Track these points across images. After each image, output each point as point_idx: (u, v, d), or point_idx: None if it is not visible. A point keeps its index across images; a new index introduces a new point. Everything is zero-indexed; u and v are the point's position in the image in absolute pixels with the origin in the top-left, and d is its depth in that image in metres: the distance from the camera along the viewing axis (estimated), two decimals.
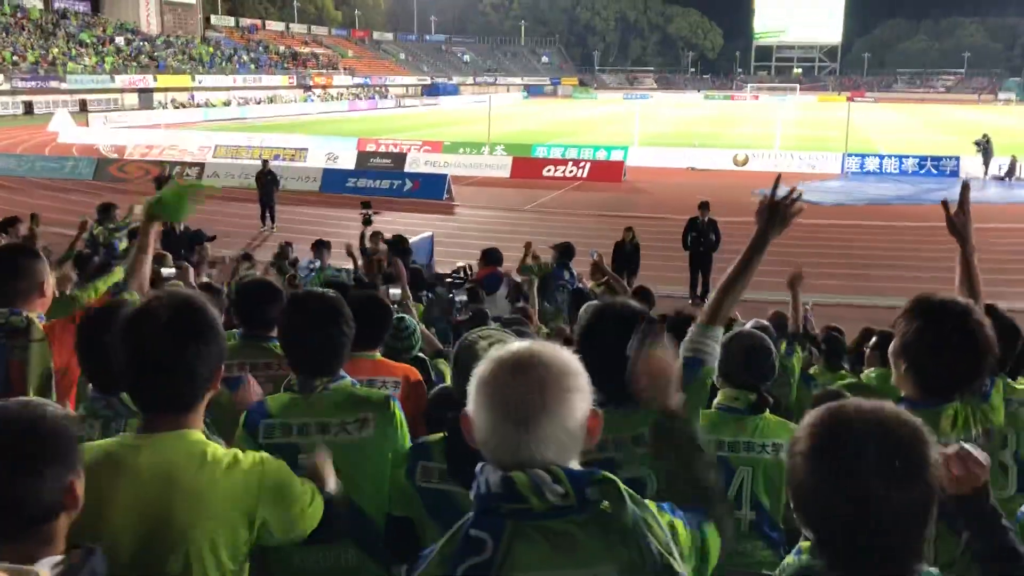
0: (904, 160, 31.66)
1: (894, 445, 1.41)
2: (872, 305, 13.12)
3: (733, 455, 3.06)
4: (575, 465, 1.52)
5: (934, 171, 30.60)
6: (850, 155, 32.09)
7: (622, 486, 1.49)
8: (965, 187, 3.01)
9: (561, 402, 1.47)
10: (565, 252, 9.99)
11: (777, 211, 2.51)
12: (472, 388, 1.53)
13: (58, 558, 1.58)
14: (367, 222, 11.77)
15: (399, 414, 2.71)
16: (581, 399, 1.51)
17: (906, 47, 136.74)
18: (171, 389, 1.99)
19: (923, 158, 31.73)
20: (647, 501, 1.58)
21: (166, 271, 6.83)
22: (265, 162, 21.38)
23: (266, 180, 20.08)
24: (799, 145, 37.48)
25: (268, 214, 20.10)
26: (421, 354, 4.72)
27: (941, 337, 2.44)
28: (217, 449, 2.02)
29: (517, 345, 1.55)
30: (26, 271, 3.20)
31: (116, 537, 1.89)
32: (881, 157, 32.38)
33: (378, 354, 3.62)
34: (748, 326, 4.17)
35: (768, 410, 3.29)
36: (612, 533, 1.47)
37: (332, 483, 2.29)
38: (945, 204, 3.04)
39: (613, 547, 1.46)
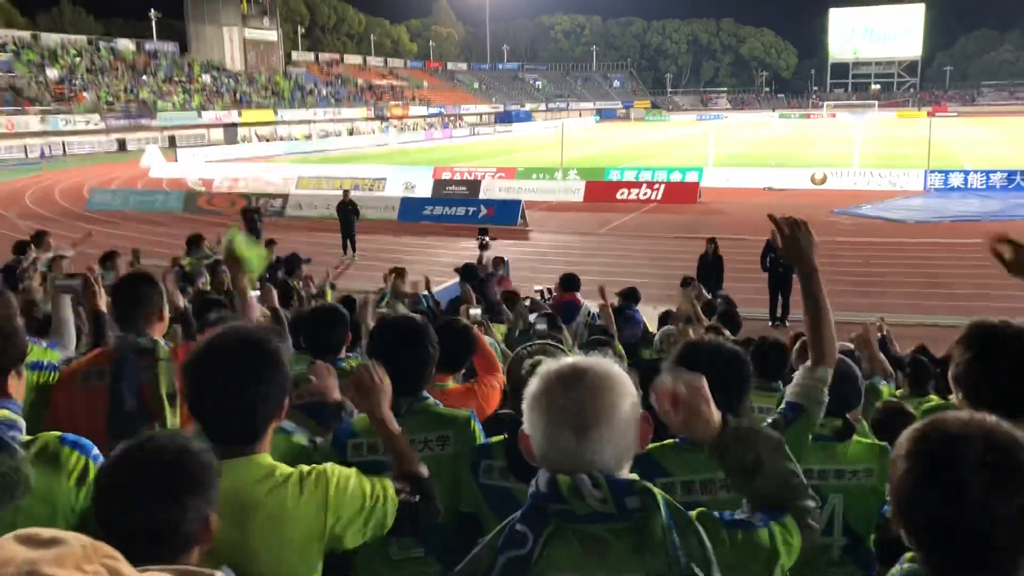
0: (991, 175, 30.67)
1: (992, 448, 1.42)
2: (959, 325, 12.76)
3: (823, 483, 2.99)
4: (626, 471, 1.60)
5: (1023, 185, 29.58)
6: (933, 171, 31.25)
7: (660, 496, 1.54)
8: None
9: (613, 407, 1.55)
10: (630, 295, 10.07)
11: (794, 241, 2.45)
12: (526, 405, 1.61)
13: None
14: (484, 247, 12.11)
15: (479, 434, 2.85)
16: (629, 403, 1.58)
17: (991, 59, 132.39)
18: (236, 424, 2.06)
19: (1012, 172, 30.64)
20: (696, 511, 1.65)
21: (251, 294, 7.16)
22: (346, 192, 21.87)
23: (347, 210, 20.57)
24: (879, 163, 36.62)
25: (349, 243, 20.59)
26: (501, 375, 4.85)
27: (993, 365, 2.45)
28: (284, 471, 2.09)
29: (563, 360, 1.63)
30: (147, 297, 3.43)
31: None
32: (966, 173, 31.43)
33: (451, 382, 3.62)
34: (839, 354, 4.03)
35: (856, 434, 3.23)
36: (645, 542, 1.52)
37: (423, 469, 2.38)
38: (1010, 241, 3.07)
39: (643, 556, 1.52)
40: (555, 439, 1.55)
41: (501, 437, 2.72)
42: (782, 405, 2.56)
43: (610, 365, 1.61)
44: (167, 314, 3.57)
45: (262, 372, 2.06)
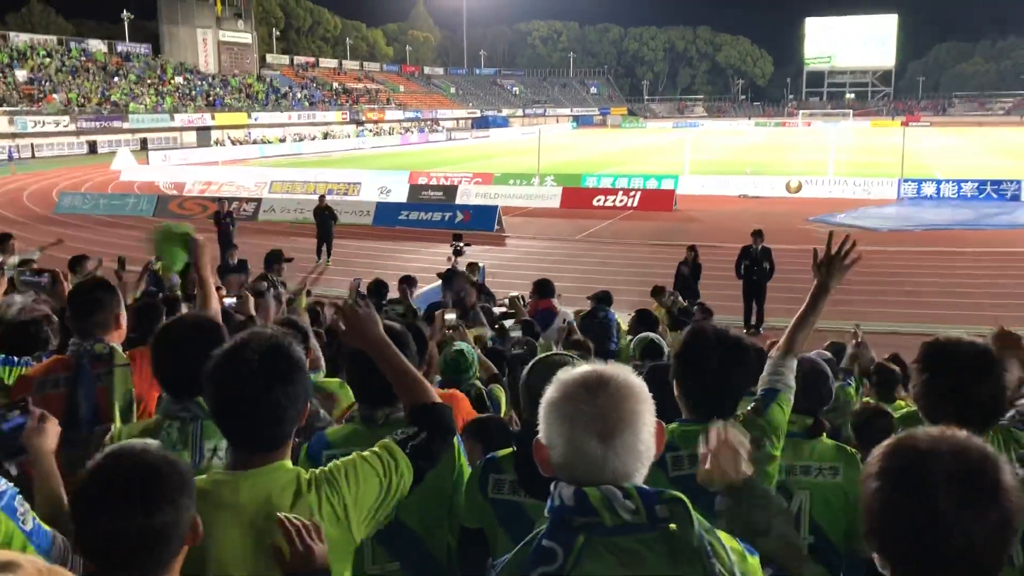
0: (962, 184, 31.03)
1: (964, 466, 1.40)
2: (931, 333, 12.82)
3: (791, 479, 3.05)
4: (642, 476, 1.59)
5: (994, 195, 29.94)
6: (906, 180, 31.56)
7: (691, 507, 1.53)
8: None
9: (635, 414, 1.55)
10: (603, 299, 10.00)
11: (834, 265, 2.76)
12: (546, 412, 1.59)
13: None
14: (458, 253, 12.09)
15: (456, 444, 2.76)
16: (649, 411, 1.59)
17: (962, 69, 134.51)
18: (262, 430, 2.05)
19: (982, 182, 31.02)
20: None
21: (227, 301, 7.03)
22: (322, 197, 21.73)
23: (324, 215, 20.44)
24: (853, 171, 36.98)
25: (325, 248, 20.42)
26: (477, 381, 4.80)
27: (948, 389, 2.48)
28: (305, 477, 2.08)
29: (583, 368, 1.62)
30: (103, 304, 3.39)
31: (227, 573, 1.94)
32: (938, 182, 31.78)
33: None
34: (812, 355, 4.13)
35: (825, 435, 3.29)
36: (678, 552, 1.51)
37: (434, 395, 2.44)
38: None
39: (678, 566, 1.51)
40: (580, 447, 1.54)
41: (510, 450, 2.67)
42: (758, 393, 2.78)
43: (629, 372, 1.61)
44: (124, 323, 3.53)
45: (288, 377, 2.05)
